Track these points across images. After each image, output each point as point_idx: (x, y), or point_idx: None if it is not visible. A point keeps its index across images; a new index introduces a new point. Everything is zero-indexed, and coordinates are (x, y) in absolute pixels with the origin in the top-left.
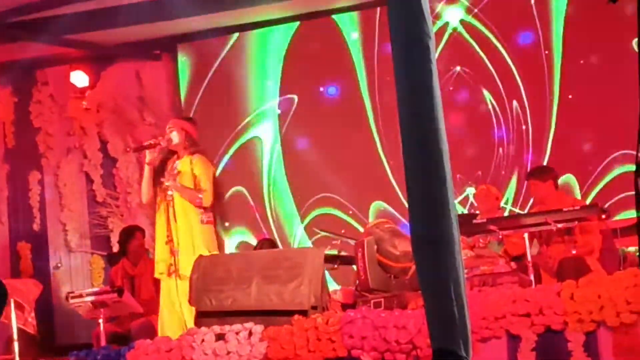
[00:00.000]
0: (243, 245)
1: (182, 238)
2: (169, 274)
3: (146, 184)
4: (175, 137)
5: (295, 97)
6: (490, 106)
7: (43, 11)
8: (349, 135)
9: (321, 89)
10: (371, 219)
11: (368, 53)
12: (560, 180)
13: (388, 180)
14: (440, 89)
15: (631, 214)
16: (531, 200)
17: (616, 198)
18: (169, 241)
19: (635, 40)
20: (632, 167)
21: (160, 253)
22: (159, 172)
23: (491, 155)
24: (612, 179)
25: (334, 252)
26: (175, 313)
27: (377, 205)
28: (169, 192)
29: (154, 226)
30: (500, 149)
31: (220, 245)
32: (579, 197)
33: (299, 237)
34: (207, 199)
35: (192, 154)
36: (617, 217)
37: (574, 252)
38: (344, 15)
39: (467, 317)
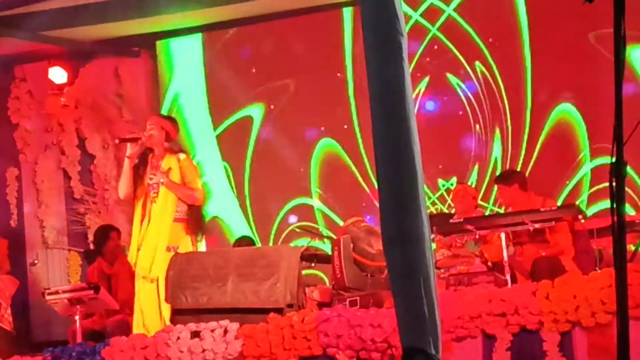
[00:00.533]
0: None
1: (147, 236)
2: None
3: (126, 178)
4: (156, 135)
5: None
6: (466, 104)
7: (22, 7)
8: (330, 128)
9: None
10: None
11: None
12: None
13: (368, 176)
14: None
15: (605, 203)
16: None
17: (592, 190)
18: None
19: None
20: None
21: (132, 253)
22: (136, 168)
23: (468, 153)
24: (587, 172)
25: (314, 243)
26: (148, 312)
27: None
28: (152, 192)
29: (132, 223)
30: (476, 147)
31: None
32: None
33: (276, 227)
34: (201, 196)
35: (176, 152)
36: (592, 208)
37: (543, 253)
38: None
39: (437, 315)
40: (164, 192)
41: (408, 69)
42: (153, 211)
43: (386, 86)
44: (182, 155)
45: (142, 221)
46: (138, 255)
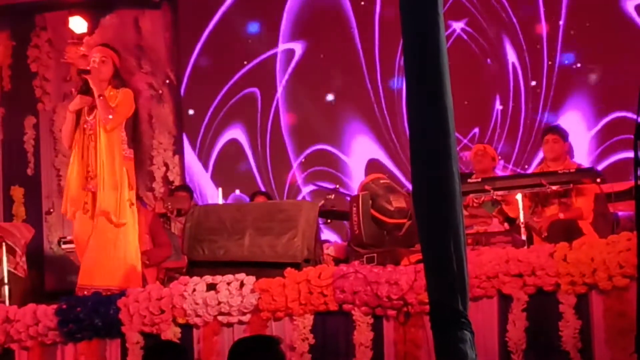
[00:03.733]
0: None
1: (106, 174)
2: (85, 211)
3: (68, 126)
4: (107, 69)
5: (296, 49)
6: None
7: None
8: (349, 88)
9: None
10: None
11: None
12: None
13: (388, 136)
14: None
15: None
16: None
17: (613, 160)
18: (92, 177)
19: (634, 4)
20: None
21: (75, 190)
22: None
23: (489, 116)
24: (610, 141)
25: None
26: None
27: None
28: (89, 130)
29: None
30: (498, 110)
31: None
32: None
33: (294, 189)
34: (116, 121)
35: (118, 87)
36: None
37: (561, 215)
38: None
39: (466, 271)
40: (102, 132)
41: (443, 22)
42: (101, 149)
43: (420, 39)
44: (122, 90)
45: (88, 157)
46: (97, 196)
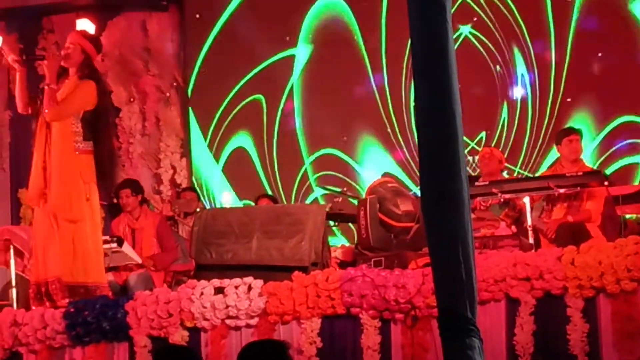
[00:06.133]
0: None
1: (55, 168)
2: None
3: (21, 87)
4: (72, 57)
5: (304, 53)
6: (497, 68)
7: None
8: (355, 92)
9: None
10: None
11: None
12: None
13: (392, 142)
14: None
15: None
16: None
17: (619, 164)
18: (44, 168)
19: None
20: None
21: (35, 180)
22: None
23: (495, 117)
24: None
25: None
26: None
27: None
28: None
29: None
30: (505, 111)
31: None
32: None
33: (302, 191)
34: (56, 114)
35: (81, 78)
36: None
37: (569, 218)
38: None
39: (475, 278)
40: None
41: (451, 30)
42: (53, 139)
43: (429, 47)
44: (84, 81)
45: (44, 146)
46: (50, 191)
